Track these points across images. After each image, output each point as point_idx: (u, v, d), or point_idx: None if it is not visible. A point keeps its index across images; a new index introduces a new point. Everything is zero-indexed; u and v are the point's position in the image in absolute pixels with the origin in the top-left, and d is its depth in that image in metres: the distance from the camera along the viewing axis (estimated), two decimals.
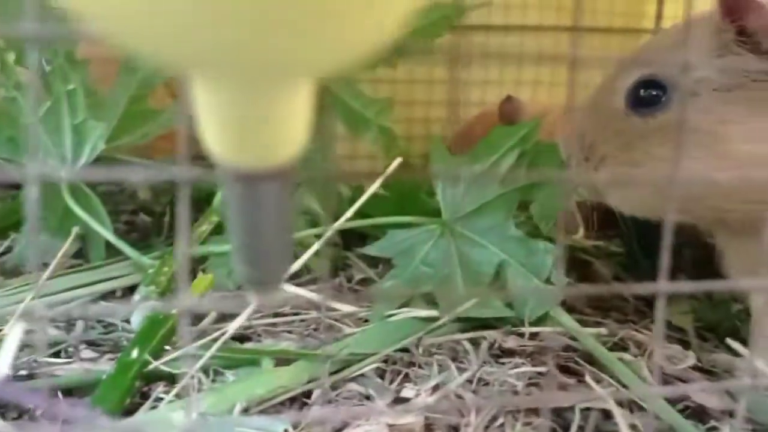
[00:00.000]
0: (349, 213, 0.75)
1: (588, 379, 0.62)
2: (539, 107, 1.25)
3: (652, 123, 0.63)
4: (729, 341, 0.69)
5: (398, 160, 1.04)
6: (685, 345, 0.76)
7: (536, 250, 0.79)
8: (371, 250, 0.86)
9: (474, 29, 1.59)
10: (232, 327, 0.65)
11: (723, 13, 0.60)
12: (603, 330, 0.75)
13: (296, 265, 0.99)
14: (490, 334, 0.70)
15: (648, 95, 0.64)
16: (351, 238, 1.04)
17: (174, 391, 0.60)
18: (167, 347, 0.67)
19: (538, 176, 0.82)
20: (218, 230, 0.89)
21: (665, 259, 0.39)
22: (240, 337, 0.78)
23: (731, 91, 0.59)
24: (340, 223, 0.79)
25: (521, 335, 0.70)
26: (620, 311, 0.88)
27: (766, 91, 0.58)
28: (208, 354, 0.62)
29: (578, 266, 1.03)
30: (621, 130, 0.65)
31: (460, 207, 0.83)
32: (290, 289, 0.82)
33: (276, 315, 0.84)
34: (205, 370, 0.65)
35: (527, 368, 0.64)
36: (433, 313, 0.74)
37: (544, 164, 0.80)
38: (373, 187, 0.76)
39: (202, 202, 0.93)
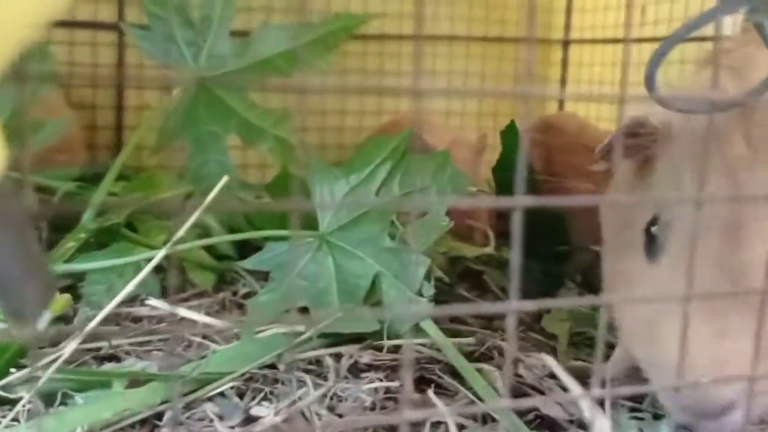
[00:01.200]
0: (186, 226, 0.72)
1: (430, 393, 0.62)
2: (447, 138, 1.26)
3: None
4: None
5: (278, 173, 1.04)
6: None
7: (409, 261, 0.79)
8: (249, 263, 0.85)
9: (386, 38, 1.60)
10: (67, 350, 0.62)
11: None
12: (471, 340, 0.75)
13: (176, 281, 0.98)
14: (351, 350, 0.69)
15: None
16: (250, 251, 1.03)
17: (10, 416, 0.57)
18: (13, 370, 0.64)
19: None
20: (87, 248, 0.86)
21: (514, 281, 0.38)
22: (110, 357, 0.76)
23: None
24: (177, 237, 0.77)
25: (379, 350, 0.69)
26: (502, 319, 0.89)
27: None
28: (44, 378, 0.59)
29: (470, 276, 1.04)
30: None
31: (337, 219, 0.82)
32: (162, 305, 0.80)
33: (151, 333, 0.82)
34: (52, 393, 0.62)
35: (384, 383, 0.64)
36: (301, 328, 0.72)
37: (417, 175, 0.80)
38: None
39: (71, 219, 0.90)
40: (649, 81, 0.44)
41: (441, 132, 1.24)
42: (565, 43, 1.81)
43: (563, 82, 1.83)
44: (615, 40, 1.67)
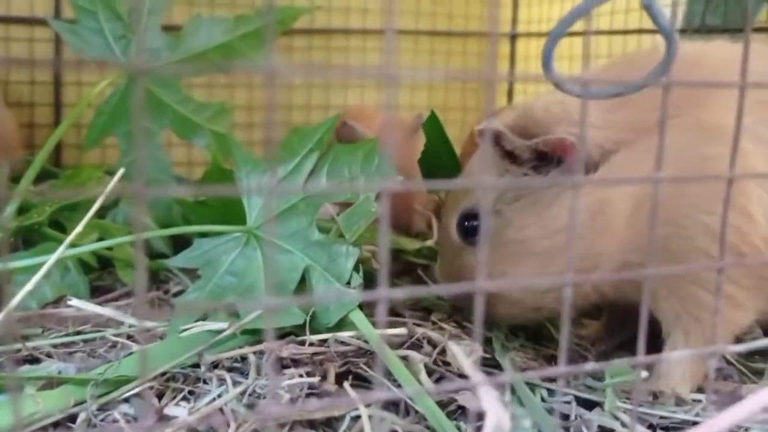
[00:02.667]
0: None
1: (347, 385, 0.61)
2: (380, 122, 1.25)
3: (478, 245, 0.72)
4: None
5: (209, 167, 1.02)
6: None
7: (338, 253, 0.77)
8: (177, 261, 0.83)
9: (333, 33, 1.58)
10: None
11: (490, 143, 0.68)
12: (402, 330, 0.74)
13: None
14: (275, 345, 0.67)
15: (471, 226, 0.74)
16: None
17: None
18: None
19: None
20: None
21: (384, 270, 0.37)
22: (31, 359, 0.73)
23: (519, 200, 0.68)
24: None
25: (302, 344, 0.68)
26: (440, 310, 0.88)
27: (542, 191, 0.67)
28: None
29: (412, 271, 1.03)
30: (464, 263, 0.75)
31: (265, 212, 0.80)
32: (85, 306, 0.78)
33: (77, 333, 0.80)
34: None
35: (303, 379, 0.62)
36: (224, 325, 0.71)
37: (344, 164, 0.78)
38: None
39: None
40: (546, 62, 0.43)
41: (371, 118, 1.23)
42: (513, 37, 1.82)
43: (511, 75, 1.83)
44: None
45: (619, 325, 0.81)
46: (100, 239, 0.98)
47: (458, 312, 0.87)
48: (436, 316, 0.83)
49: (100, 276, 0.98)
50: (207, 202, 0.98)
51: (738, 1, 1.18)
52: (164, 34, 1.08)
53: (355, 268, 0.76)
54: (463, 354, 0.66)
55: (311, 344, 0.67)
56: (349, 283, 0.76)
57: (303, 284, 0.78)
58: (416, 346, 0.73)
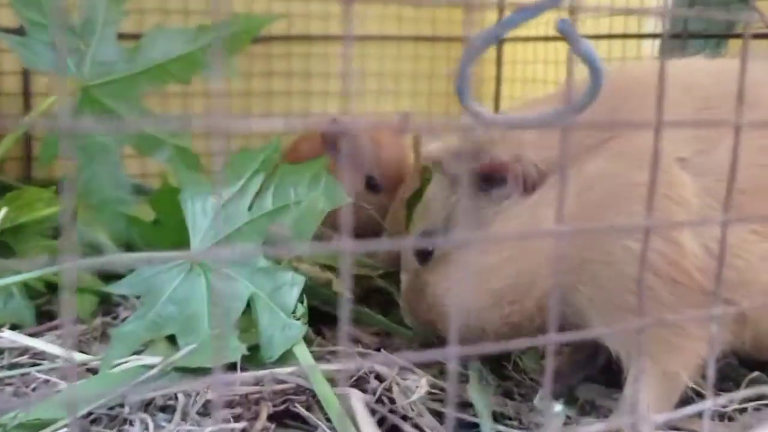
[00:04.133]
0: None
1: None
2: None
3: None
4: None
5: (160, 186, 0.98)
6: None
7: (283, 282, 0.73)
8: (119, 288, 0.78)
9: (312, 39, 1.54)
10: None
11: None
12: (350, 364, 0.69)
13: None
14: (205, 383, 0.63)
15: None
16: None
17: None
18: None
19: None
20: None
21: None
22: None
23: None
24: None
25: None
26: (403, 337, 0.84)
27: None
28: None
29: (378, 294, 0.98)
30: (422, 283, 0.74)
31: (209, 237, 0.76)
32: (15, 337, 0.74)
33: (12, 366, 0.76)
34: None
35: (230, 425, 0.58)
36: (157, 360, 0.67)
37: (290, 186, 0.74)
38: None
39: None
40: (461, 92, 0.38)
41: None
42: (499, 41, 1.77)
43: (498, 80, 1.79)
44: (549, 38, 1.62)
45: (587, 356, 0.76)
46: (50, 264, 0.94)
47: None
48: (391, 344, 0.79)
49: (50, 300, 0.94)
50: (161, 222, 0.94)
51: (721, 5, 1.13)
52: (120, 45, 1.03)
53: (300, 298, 0.72)
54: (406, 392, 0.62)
55: (242, 384, 0.62)
56: (294, 313, 0.72)
57: (246, 314, 0.74)
58: (363, 380, 0.69)
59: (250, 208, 0.75)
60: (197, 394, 0.61)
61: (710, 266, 0.59)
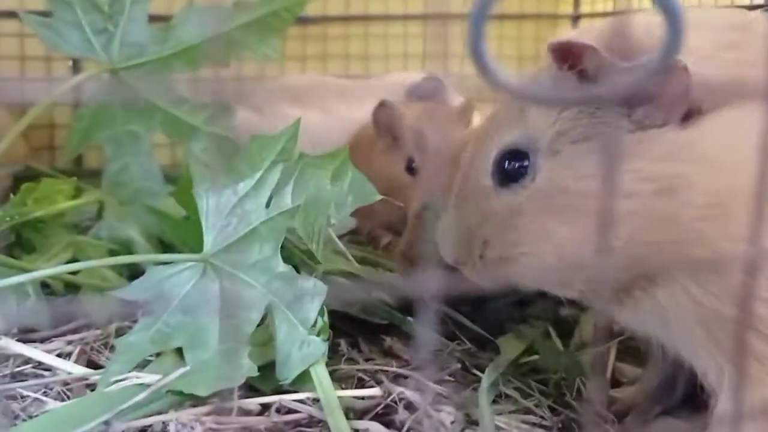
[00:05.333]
0: None
1: None
2: (418, 110, 1.10)
3: (524, 195, 0.55)
4: None
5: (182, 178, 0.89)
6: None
7: (304, 290, 0.63)
8: (127, 292, 0.70)
9: (350, 20, 1.44)
10: None
11: (558, 61, 0.52)
12: (375, 391, 0.59)
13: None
14: (199, 411, 0.54)
15: (513, 167, 0.56)
16: None
17: None
18: None
19: None
20: None
21: None
22: None
23: (585, 142, 0.52)
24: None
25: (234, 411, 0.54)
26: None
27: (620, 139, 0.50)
28: None
29: None
30: (494, 210, 0.57)
31: (223, 237, 0.67)
32: (10, 345, 0.67)
33: (14, 376, 0.69)
34: None
35: None
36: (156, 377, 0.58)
37: (312, 179, 0.64)
38: None
39: None
40: (476, 51, 0.27)
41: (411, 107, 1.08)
42: (575, 18, 1.63)
43: None
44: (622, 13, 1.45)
45: (667, 387, 0.63)
46: (74, 260, 0.88)
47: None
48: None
49: (71, 300, 0.87)
50: (191, 217, 0.85)
51: None
52: (150, 26, 0.96)
53: (320, 310, 0.62)
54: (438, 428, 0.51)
55: (245, 413, 0.53)
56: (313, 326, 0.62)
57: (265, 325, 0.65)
58: (391, 410, 0.58)
59: (267, 205, 0.66)
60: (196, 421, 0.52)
61: None
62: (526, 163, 0.55)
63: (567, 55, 0.51)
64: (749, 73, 0.49)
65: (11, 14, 1.20)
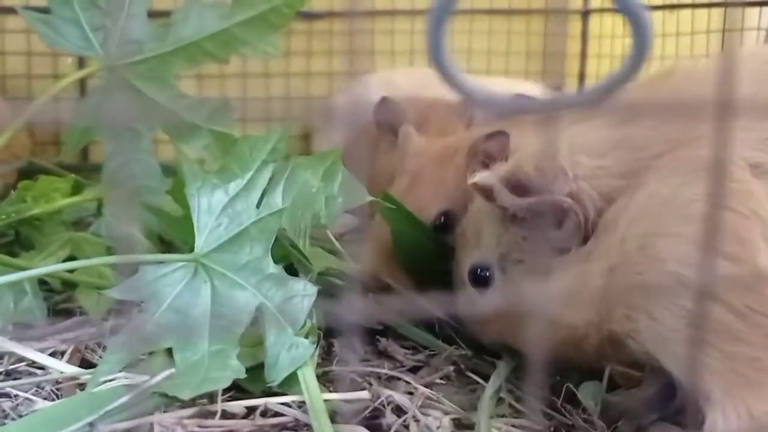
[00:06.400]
0: None
1: None
2: (421, 105, 1.08)
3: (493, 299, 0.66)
4: None
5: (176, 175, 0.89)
6: None
7: (294, 292, 0.63)
8: (118, 292, 0.70)
9: (355, 16, 1.42)
10: None
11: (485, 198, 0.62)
12: (363, 394, 0.58)
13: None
14: (183, 413, 0.53)
15: (481, 276, 0.67)
16: None
17: None
18: None
19: None
20: None
21: None
22: None
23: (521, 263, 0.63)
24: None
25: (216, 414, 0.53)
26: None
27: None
28: None
29: None
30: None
31: (214, 237, 0.67)
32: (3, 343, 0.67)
33: (8, 374, 0.69)
34: None
35: None
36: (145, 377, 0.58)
37: (301, 179, 0.63)
38: None
39: None
40: (434, 51, 0.26)
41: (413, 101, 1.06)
42: (585, 14, 1.61)
43: (583, 55, 1.62)
44: None
45: (661, 394, 0.62)
46: (71, 258, 0.88)
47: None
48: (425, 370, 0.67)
49: (69, 297, 0.87)
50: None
51: None
52: (150, 22, 0.95)
53: (309, 312, 0.61)
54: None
55: (230, 416, 0.53)
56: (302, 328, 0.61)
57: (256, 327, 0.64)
58: (381, 412, 0.58)
59: (258, 205, 0.65)
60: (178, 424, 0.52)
61: None
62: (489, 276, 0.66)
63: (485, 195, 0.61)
64: None
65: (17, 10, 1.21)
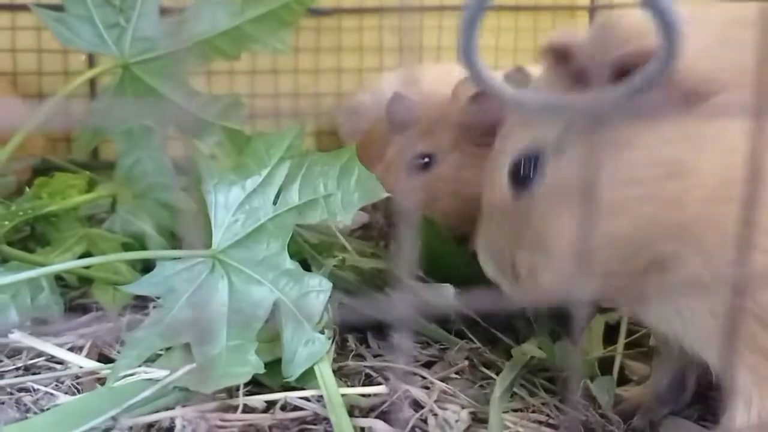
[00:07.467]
0: None
1: None
2: (436, 101, 1.09)
3: (536, 199, 0.54)
4: None
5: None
6: None
7: (310, 287, 0.63)
8: (137, 287, 0.71)
9: (365, 12, 1.43)
10: None
11: (550, 62, 0.54)
12: (381, 389, 0.59)
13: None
14: (205, 407, 0.54)
15: (525, 174, 0.55)
16: None
17: None
18: None
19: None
20: None
21: None
22: None
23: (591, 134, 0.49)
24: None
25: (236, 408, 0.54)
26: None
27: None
28: None
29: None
30: (515, 222, 0.56)
31: (231, 233, 0.67)
32: (24, 338, 0.68)
33: (27, 369, 0.70)
34: None
35: None
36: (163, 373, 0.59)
37: (320, 177, 0.64)
38: None
39: None
40: (465, 50, 0.27)
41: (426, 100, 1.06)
42: (592, 10, 1.61)
43: None
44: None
45: (676, 387, 0.63)
46: (87, 253, 0.89)
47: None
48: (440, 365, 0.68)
49: (85, 293, 0.88)
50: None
51: None
52: (162, 20, 0.96)
53: (325, 308, 0.62)
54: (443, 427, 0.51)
55: (250, 410, 0.53)
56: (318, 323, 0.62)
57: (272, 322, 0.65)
58: (398, 406, 0.58)
59: (275, 202, 0.66)
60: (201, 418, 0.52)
61: None
62: (535, 168, 0.54)
63: (558, 56, 0.51)
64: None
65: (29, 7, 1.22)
